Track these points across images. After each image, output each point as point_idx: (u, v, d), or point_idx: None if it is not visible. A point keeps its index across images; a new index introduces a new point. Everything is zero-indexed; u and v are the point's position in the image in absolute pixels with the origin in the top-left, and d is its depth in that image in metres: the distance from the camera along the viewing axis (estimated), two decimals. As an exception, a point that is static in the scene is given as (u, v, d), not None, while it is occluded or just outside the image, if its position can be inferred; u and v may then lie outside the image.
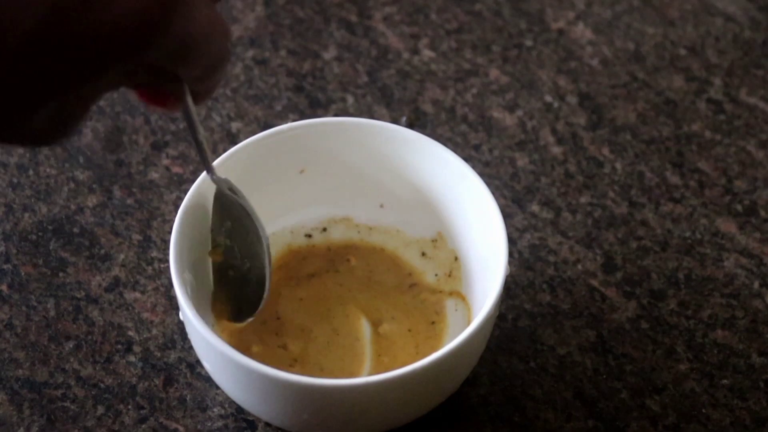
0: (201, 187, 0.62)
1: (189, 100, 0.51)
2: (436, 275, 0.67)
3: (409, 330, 0.65)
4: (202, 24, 0.44)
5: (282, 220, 0.68)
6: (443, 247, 0.67)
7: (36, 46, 0.40)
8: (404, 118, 0.77)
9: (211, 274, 0.63)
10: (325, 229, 0.69)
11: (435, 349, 0.62)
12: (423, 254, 0.67)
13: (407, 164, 0.65)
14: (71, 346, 0.66)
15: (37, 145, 0.45)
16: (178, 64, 0.45)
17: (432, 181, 0.65)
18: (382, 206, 0.68)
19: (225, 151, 0.75)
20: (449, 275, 0.66)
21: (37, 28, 0.40)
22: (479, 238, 0.63)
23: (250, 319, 0.63)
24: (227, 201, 0.61)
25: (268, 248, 0.61)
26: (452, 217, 0.65)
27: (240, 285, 0.63)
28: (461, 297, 0.65)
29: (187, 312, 0.57)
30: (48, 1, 0.40)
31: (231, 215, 0.62)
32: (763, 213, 0.73)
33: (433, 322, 0.66)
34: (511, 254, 0.68)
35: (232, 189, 0.61)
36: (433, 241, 0.67)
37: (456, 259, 0.66)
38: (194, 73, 0.47)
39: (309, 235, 0.69)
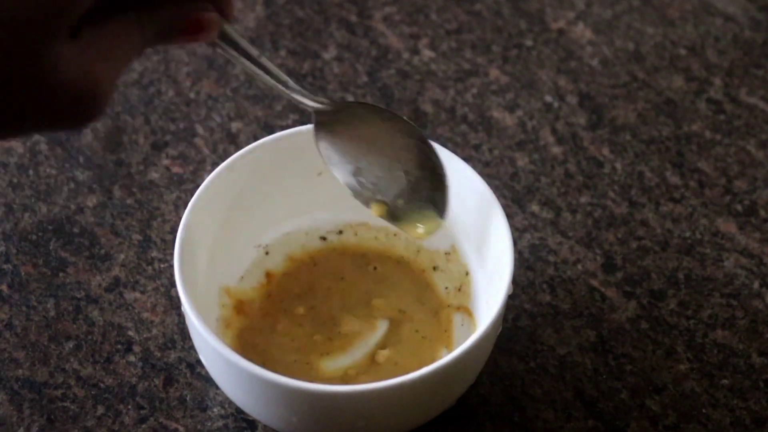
0: (212, 183, 0.62)
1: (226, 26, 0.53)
2: (446, 288, 0.67)
3: (420, 334, 0.65)
4: None
5: (297, 220, 0.68)
6: (456, 261, 0.66)
7: None
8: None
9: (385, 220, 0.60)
10: (341, 232, 0.69)
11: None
12: (435, 268, 0.67)
13: None
14: (71, 346, 0.66)
15: (68, 123, 0.45)
16: None
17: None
18: None
19: (225, 151, 0.75)
20: (459, 290, 0.66)
21: None
22: (488, 254, 0.63)
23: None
24: (343, 125, 0.59)
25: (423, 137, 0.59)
26: (466, 231, 0.65)
27: (416, 200, 0.61)
28: (468, 312, 0.65)
29: (188, 309, 0.57)
30: None
31: (353, 141, 0.60)
32: (763, 213, 0.73)
33: (439, 335, 0.65)
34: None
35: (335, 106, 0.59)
36: (446, 253, 0.67)
37: (467, 274, 0.66)
38: None
39: (324, 238, 0.68)
